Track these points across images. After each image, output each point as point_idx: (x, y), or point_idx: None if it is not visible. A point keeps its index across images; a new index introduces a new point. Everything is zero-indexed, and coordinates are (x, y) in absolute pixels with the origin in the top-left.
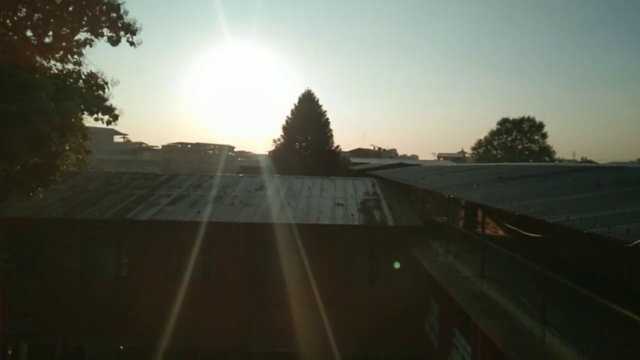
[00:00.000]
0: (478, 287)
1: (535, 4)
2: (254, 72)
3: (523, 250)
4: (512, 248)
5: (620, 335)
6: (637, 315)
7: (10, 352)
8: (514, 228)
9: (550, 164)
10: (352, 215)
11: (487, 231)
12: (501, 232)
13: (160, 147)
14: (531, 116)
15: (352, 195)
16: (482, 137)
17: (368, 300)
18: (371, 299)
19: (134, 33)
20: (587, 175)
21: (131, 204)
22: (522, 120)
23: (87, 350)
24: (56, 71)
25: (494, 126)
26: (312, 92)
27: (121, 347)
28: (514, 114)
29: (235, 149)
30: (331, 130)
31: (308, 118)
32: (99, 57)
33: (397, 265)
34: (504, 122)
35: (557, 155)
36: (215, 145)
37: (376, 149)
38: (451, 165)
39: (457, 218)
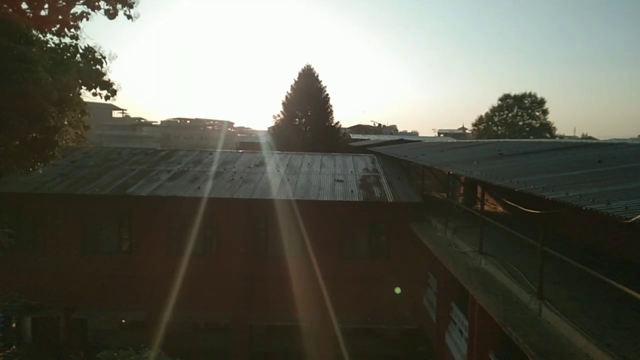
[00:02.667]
0: (476, 263)
1: None
2: (253, 47)
3: (522, 226)
4: (511, 224)
5: (618, 310)
6: (634, 290)
7: (14, 325)
8: (513, 204)
9: (551, 140)
10: (352, 191)
11: (486, 207)
12: (500, 209)
13: (159, 123)
14: (533, 92)
15: (351, 172)
16: (482, 113)
17: (367, 275)
18: (370, 274)
19: (131, 6)
20: (587, 151)
21: (131, 179)
22: (523, 96)
23: (89, 324)
24: (53, 45)
25: (495, 102)
26: (312, 67)
27: (123, 321)
28: (516, 90)
29: (235, 125)
30: (331, 106)
31: (308, 94)
32: (97, 30)
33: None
34: (505, 98)
35: (558, 132)
36: (214, 120)
37: (376, 125)
38: (451, 142)
39: (457, 194)
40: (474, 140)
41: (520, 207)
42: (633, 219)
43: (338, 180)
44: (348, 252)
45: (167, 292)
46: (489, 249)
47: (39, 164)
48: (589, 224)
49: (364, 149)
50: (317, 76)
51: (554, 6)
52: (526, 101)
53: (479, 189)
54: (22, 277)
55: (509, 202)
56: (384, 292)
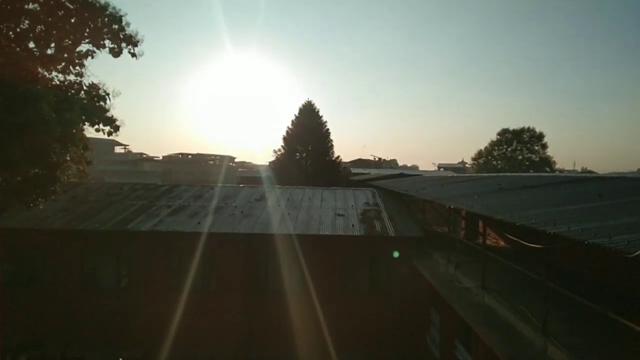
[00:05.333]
0: (479, 298)
1: (535, 16)
2: (254, 83)
3: (524, 261)
4: (513, 258)
5: (624, 345)
6: (637, 323)
7: None
8: (514, 238)
9: (551, 174)
10: (353, 225)
11: (488, 242)
12: (502, 243)
13: (160, 158)
14: (531, 126)
15: (352, 206)
16: (482, 148)
17: (368, 311)
18: (371, 310)
19: (135, 45)
20: (587, 185)
21: (132, 214)
22: (522, 130)
23: None
24: (58, 82)
25: (494, 137)
26: (312, 102)
27: (121, 359)
28: (514, 124)
29: (236, 160)
30: (331, 140)
31: (308, 128)
32: (101, 67)
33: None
34: (504, 132)
35: (558, 166)
36: (215, 155)
37: (376, 159)
38: (451, 176)
39: (458, 228)
40: (474, 175)
41: (521, 241)
42: (635, 254)
43: (339, 215)
44: (349, 287)
45: (165, 329)
46: (491, 284)
47: (40, 199)
48: (588, 256)
49: (364, 183)
50: (318, 111)
51: (552, 40)
52: (525, 135)
53: (480, 223)
54: (18, 313)
55: (511, 237)
56: (385, 329)
